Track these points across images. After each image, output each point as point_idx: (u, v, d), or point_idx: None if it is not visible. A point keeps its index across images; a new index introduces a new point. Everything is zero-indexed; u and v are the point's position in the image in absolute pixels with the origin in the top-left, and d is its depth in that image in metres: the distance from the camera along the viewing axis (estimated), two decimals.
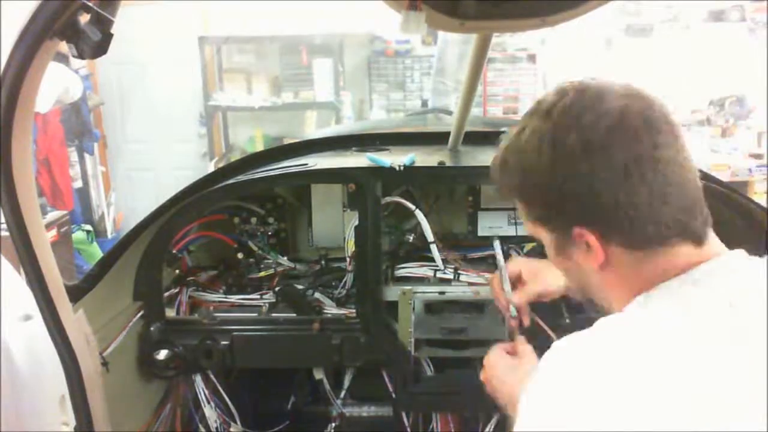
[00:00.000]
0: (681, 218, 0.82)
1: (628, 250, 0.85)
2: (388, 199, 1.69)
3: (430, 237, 1.70)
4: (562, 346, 0.82)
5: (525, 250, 1.79)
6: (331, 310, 1.73)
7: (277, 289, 1.79)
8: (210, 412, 1.80)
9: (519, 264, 1.47)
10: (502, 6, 1.16)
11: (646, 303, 0.83)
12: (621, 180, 0.80)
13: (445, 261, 1.72)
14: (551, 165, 0.84)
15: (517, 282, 1.44)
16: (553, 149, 0.83)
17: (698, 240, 0.84)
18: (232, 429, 1.83)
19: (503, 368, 1.27)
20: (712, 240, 0.87)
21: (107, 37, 0.99)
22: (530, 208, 0.92)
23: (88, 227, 4.47)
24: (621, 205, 0.81)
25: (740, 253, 0.86)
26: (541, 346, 0.86)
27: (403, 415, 1.85)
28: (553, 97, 0.86)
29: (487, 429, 1.84)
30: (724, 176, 4.46)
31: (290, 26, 5.09)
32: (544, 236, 0.93)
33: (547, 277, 1.38)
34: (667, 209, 0.82)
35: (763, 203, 1.68)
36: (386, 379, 1.79)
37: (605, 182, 0.81)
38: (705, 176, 0.99)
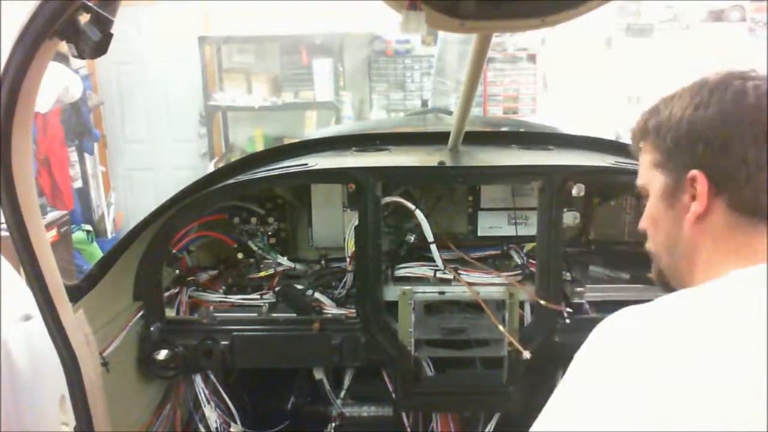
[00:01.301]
0: None
1: (731, 210, 0.85)
2: (388, 199, 1.69)
3: (430, 237, 1.70)
4: (619, 322, 0.81)
5: (525, 249, 1.79)
6: (331, 310, 1.73)
7: (277, 289, 1.79)
8: (210, 412, 1.80)
9: None
10: (502, 6, 1.16)
11: (725, 288, 0.81)
12: (757, 141, 0.82)
13: (445, 261, 1.72)
14: (694, 107, 0.87)
15: None
16: (708, 95, 0.86)
17: None
18: (232, 429, 1.83)
19: None
20: None
21: (107, 37, 0.99)
22: (657, 149, 0.94)
23: (88, 227, 4.47)
24: (746, 162, 0.82)
25: None
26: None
27: (403, 415, 1.85)
28: (711, 76, 0.90)
29: (487, 429, 1.84)
30: None
31: (290, 26, 5.09)
32: (657, 180, 0.94)
33: None
34: None
35: None
36: (386, 379, 1.79)
37: (740, 137, 0.83)
38: None
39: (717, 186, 0.86)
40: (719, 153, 0.85)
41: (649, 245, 1.00)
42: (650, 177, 0.96)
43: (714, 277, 0.84)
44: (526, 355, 1.55)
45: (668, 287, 0.98)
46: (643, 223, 1.00)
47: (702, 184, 0.86)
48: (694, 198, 0.87)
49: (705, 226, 0.88)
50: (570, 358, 0.82)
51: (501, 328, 1.59)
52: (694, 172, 0.87)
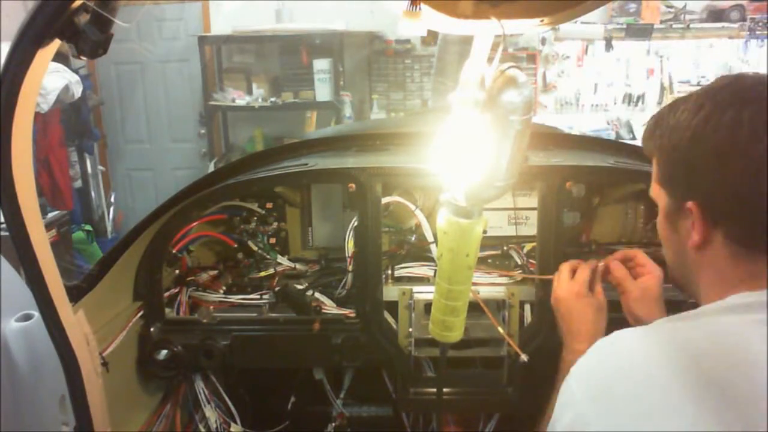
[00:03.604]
0: None
1: (729, 242, 0.85)
2: (388, 199, 1.69)
3: (430, 237, 1.70)
4: (611, 344, 0.83)
5: (525, 249, 1.79)
6: (331, 310, 1.73)
7: (277, 289, 1.79)
8: (210, 412, 1.80)
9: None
10: (501, 6, 1.16)
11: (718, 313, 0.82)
12: (750, 175, 0.80)
13: None
14: (693, 136, 0.85)
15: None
16: (703, 123, 0.84)
17: None
18: (232, 429, 1.83)
19: (574, 299, 1.29)
20: None
21: (107, 37, 0.99)
22: (662, 168, 0.93)
23: (88, 227, 4.48)
24: (739, 197, 0.81)
25: None
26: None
27: (403, 415, 1.85)
28: (723, 80, 0.88)
29: (487, 429, 1.84)
30: None
31: (290, 26, 5.09)
32: (662, 199, 0.95)
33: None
34: None
35: None
36: (386, 379, 1.79)
37: (733, 172, 0.81)
38: None
39: (714, 219, 0.85)
40: (712, 187, 0.83)
41: (663, 251, 1.01)
42: (657, 192, 0.96)
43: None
44: (524, 358, 1.55)
45: (682, 290, 0.99)
46: (659, 232, 1.00)
47: (697, 217, 0.86)
48: (694, 225, 0.87)
49: (706, 254, 0.88)
50: None
51: (501, 330, 1.59)
52: (689, 204, 0.86)
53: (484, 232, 1.26)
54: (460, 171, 1.15)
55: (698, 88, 0.92)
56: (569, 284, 1.33)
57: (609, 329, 0.90)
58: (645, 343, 0.80)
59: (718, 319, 0.81)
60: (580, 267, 1.35)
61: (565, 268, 1.37)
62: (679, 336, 0.80)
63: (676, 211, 0.91)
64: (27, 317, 1.61)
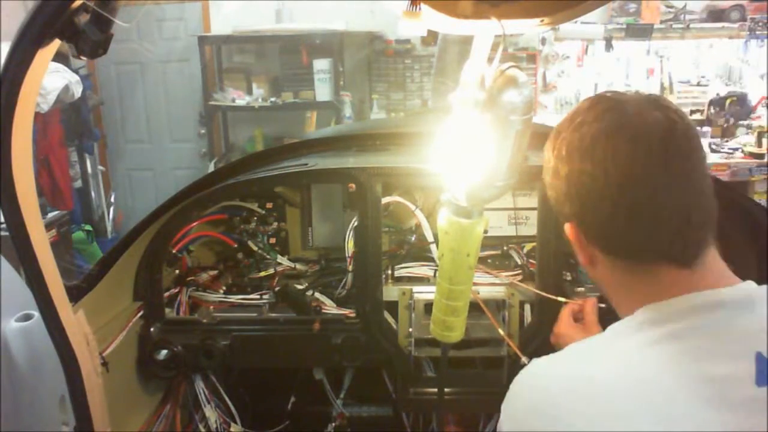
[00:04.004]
0: (662, 239, 0.80)
1: (609, 257, 0.85)
2: (388, 199, 1.69)
3: (430, 237, 1.70)
4: (529, 374, 0.86)
5: (525, 249, 1.79)
6: (331, 310, 1.73)
7: (277, 289, 1.79)
8: (210, 412, 1.80)
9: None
10: (501, 6, 1.16)
11: (627, 332, 0.82)
12: (609, 191, 0.80)
13: None
14: (561, 159, 0.87)
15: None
16: (567, 145, 0.86)
17: (684, 264, 0.81)
18: (232, 429, 1.83)
19: (573, 333, 1.33)
20: (710, 266, 0.82)
21: (107, 37, 0.99)
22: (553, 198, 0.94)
23: (88, 227, 4.47)
24: (599, 212, 0.82)
25: (742, 289, 0.81)
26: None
27: (403, 415, 1.85)
28: (585, 103, 0.89)
29: (487, 429, 1.84)
30: (724, 176, 4.47)
31: (290, 26, 5.09)
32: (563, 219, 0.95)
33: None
34: (645, 228, 0.80)
35: (764, 203, 1.68)
36: (386, 379, 1.79)
37: (595, 189, 0.82)
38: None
39: (587, 237, 0.86)
40: (582, 208, 0.85)
41: None
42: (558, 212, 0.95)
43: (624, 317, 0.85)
44: (525, 360, 1.55)
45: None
46: None
47: (573, 236, 0.88)
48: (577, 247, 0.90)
49: (599, 273, 0.90)
50: None
51: (501, 332, 1.59)
52: (569, 225, 0.89)
53: (485, 232, 1.26)
54: (461, 171, 1.15)
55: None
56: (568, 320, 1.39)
57: None
58: (550, 378, 0.83)
59: (613, 345, 0.82)
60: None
61: (566, 310, 1.43)
62: (578, 369, 0.82)
63: (571, 233, 0.91)
64: (27, 317, 1.61)
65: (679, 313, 0.79)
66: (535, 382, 0.84)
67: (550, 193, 0.91)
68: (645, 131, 0.80)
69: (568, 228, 0.89)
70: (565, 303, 1.46)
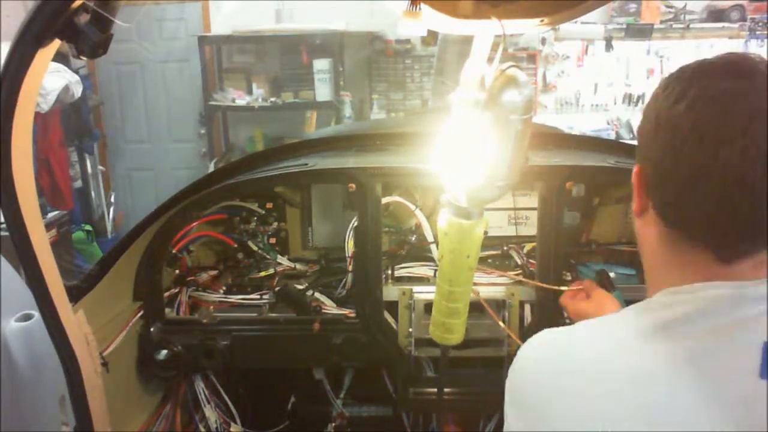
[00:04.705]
0: (717, 224, 0.74)
1: (658, 219, 0.82)
2: (388, 199, 1.69)
3: (430, 237, 1.70)
4: (535, 344, 0.86)
5: (525, 249, 1.79)
6: (331, 310, 1.73)
7: (277, 289, 1.79)
8: (210, 412, 1.80)
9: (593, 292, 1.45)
10: (501, 6, 1.16)
11: (640, 313, 0.81)
12: (675, 148, 0.75)
13: None
14: (649, 105, 0.84)
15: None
16: (660, 94, 0.82)
17: (725, 260, 0.76)
18: (232, 429, 1.83)
19: (585, 307, 1.39)
20: (750, 273, 0.76)
21: (107, 37, 0.99)
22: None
23: (88, 227, 4.47)
24: (663, 170, 0.78)
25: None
26: None
27: (403, 415, 1.85)
28: (696, 61, 0.88)
29: (487, 429, 1.84)
30: None
31: (290, 26, 5.09)
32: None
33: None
34: (706, 206, 0.73)
35: None
36: (386, 379, 1.79)
37: (664, 141, 0.77)
38: None
39: (646, 186, 0.84)
40: (646, 152, 0.83)
41: None
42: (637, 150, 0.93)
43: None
44: None
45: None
46: None
47: (636, 180, 0.85)
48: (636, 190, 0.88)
49: (644, 231, 0.88)
50: None
51: (502, 324, 1.59)
52: (637, 167, 0.86)
53: (485, 232, 1.26)
54: (461, 171, 1.15)
55: None
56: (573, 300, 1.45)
57: None
58: (550, 351, 0.83)
59: (617, 325, 0.82)
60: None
61: (567, 293, 1.50)
62: (574, 350, 0.81)
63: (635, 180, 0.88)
64: (27, 317, 1.61)
65: (693, 302, 0.76)
66: (537, 355, 0.85)
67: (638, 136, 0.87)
68: None
69: (635, 170, 0.85)
70: (562, 291, 1.51)
